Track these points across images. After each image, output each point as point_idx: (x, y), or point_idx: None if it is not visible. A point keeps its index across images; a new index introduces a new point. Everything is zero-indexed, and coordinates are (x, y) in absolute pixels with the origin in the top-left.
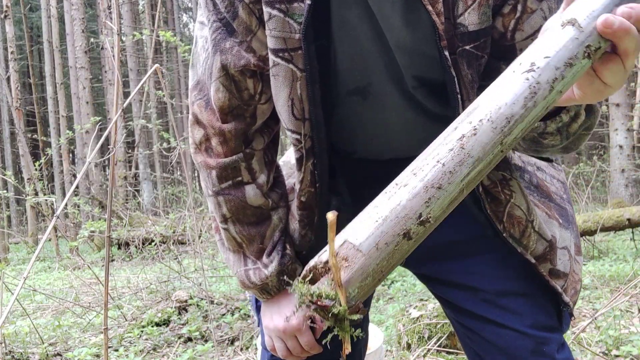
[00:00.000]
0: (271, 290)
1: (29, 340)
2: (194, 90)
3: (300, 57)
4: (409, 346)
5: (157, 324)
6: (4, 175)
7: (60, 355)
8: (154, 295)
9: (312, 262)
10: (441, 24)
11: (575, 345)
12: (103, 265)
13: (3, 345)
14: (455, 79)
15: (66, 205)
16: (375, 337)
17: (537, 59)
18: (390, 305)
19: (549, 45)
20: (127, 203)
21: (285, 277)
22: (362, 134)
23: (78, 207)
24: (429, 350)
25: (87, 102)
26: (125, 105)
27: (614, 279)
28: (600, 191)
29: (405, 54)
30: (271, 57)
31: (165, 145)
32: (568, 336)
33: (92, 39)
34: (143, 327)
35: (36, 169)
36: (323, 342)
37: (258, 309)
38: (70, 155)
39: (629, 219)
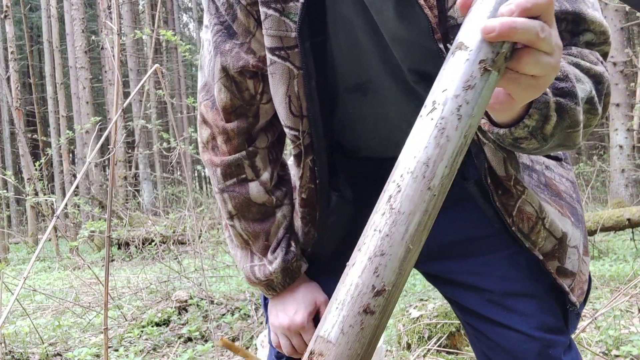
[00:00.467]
0: (276, 287)
1: (29, 340)
2: (201, 91)
3: (297, 55)
4: (409, 346)
5: (157, 324)
6: (4, 175)
7: (60, 355)
8: (154, 295)
9: None
10: (434, 17)
11: None
12: (103, 265)
13: (3, 345)
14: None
15: (66, 205)
16: None
17: (437, 96)
18: None
19: (445, 77)
20: (127, 203)
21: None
22: (363, 130)
23: (78, 207)
24: (429, 350)
25: (87, 102)
26: (125, 105)
27: (614, 279)
28: (600, 191)
29: (401, 47)
30: (268, 55)
31: (165, 145)
32: None
33: (92, 39)
34: (143, 327)
35: (36, 169)
36: None
37: (266, 307)
38: (70, 155)
39: (629, 219)
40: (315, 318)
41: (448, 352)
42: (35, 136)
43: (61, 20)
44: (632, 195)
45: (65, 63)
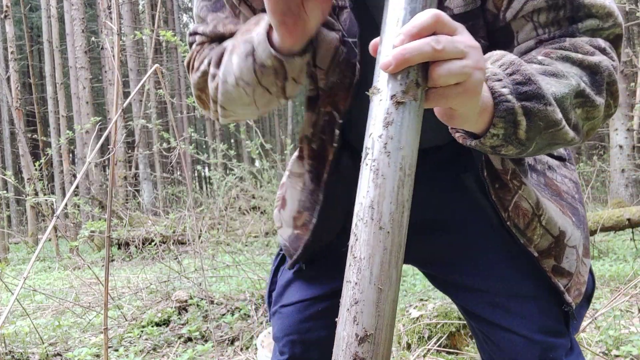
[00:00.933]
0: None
1: (29, 340)
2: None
3: None
4: (409, 346)
5: (157, 324)
6: (4, 175)
7: (60, 355)
8: (154, 295)
9: None
10: None
11: None
12: (103, 265)
13: (3, 345)
14: None
15: (66, 205)
16: None
17: (367, 141)
18: None
19: (370, 122)
20: (127, 203)
21: None
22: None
23: (78, 207)
24: (429, 350)
25: (87, 102)
26: (125, 105)
27: (614, 279)
28: (600, 191)
29: None
30: None
31: (165, 145)
32: None
33: (92, 39)
34: (143, 327)
35: (36, 169)
36: None
37: (270, 301)
38: (70, 155)
39: (629, 219)
40: None
41: (448, 352)
42: (35, 136)
43: (61, 20)
44: (632, 195)
45: (65, 63)
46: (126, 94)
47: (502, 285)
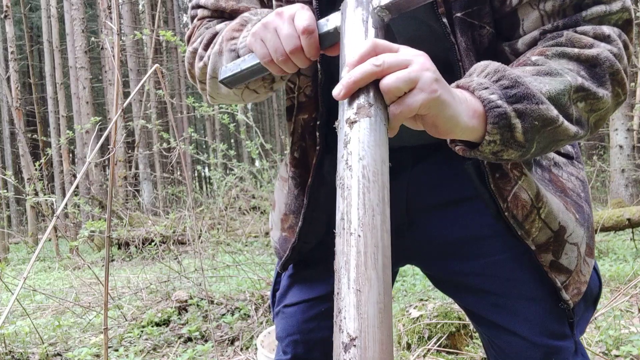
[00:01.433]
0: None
1: (29, 340)
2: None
3: (307, 5)
4: (409, 346)
5: (157, 324)
6: (4, 175)
7: (60, 355)
8: (154, 295)
9: None
10: None
11: None
12: (103, 265)
13: (3, 345)
14: (456, 47)
15: (66, 205)
16: None
17: (337, 167)
18: None
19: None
20: (127, 203)
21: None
22: None
23: (78, 207)
24: (429, 350)
25: (87, 102)
26: (125, 105)
27: (614, 279)
28: (600, 191)
29: (401, 20)
30: (275, 5)
31: (165, 145)
32: None
33: (92, 39)
34: (143, 327)
35: (36, 169)
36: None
37: (274, 299)
38: (70, 155)
39: (629, 219)
40: None
41: (448, 352)
42: (35, 136)
43: (61, 20)
44: (632, 195)
45: (65, 63)
46: (126, 94)
47: (507, 286)
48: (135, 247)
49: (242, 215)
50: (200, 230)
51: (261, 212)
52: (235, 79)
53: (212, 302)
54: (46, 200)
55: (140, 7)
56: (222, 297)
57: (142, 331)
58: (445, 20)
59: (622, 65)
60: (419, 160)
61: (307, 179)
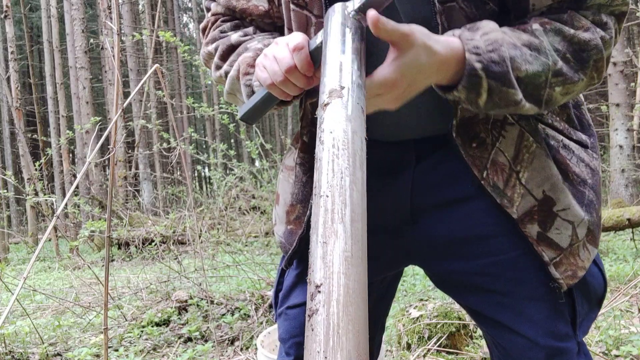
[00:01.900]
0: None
1: (29, 340)
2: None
3: (316, 3)
4: (409, 346)
5: (157, 324)
6: (4, 175)
7: (60, 355)
8: (154, 295)
9: None
10: None
11: None
12: (103, 265)
13: (3, 345)
14: (440, 27)
15: (66, 205)
16: None
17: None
18: None
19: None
20: (127, 203)
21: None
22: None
23: (78, 207)
24: (429, 350)
25: (87, 102)
26: (125, 105)
27: (614, 279)
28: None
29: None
30: (290, 5)
31: (165, 145)
32: None
33: (92, 39)
34: (143, 327)
35: (36, 169)
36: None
37: (276, 299)
38: (70, 155)
39: (629, 219)
40: None
41: (448, 352)
42: (35, 136)
43: (61, 20)
44: (632, 195)
45: (65, 63)
46: (126, 94)
47: (511, 286)
48: (135, 247)
49: (242, 215)
50: (200, 230)
51: (261, 212)
52: (252, 114)
53: (212, 302)
54: (46, 200)
55: (140, 7)
56: (222, 297)
57: (142, 331)
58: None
59: (606, 53)
60: (422, 158)
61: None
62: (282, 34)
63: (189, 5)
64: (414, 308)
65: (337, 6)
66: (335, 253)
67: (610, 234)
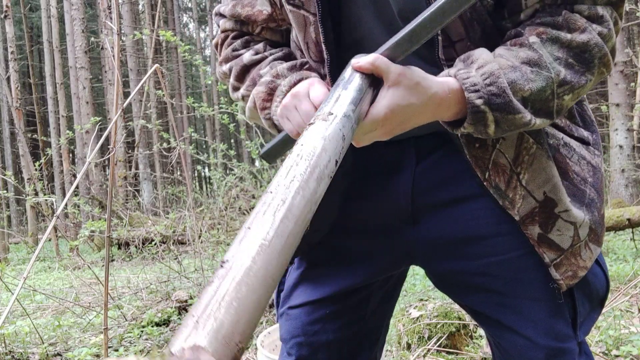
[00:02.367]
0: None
1: (29, 340)
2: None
3: (311, 2)
4: (409, 346)
5: (157, 324)
6: (4, 175)
7: (60, 355)
8: (154, 295)
9: None
10: None
11: None
12: (103, 265)
13: (3, 345)
14: None
15: (66, 205)
16: None
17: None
18: None
19: None
20: (127, 203)
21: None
22: None
23: (78, 207)
24: (429, 350)
25: (87, 102)
26: (125, 105)
27: (614, 279)
28: None
29: None
30: (286, 6)
31: (165, 145)
32: None
33: (92, 39)
34: (143, 327)
35: (36, 169)
36: None
37: (278, 298)
38: (70, 155)
39: (629, 219)
40: None
41: (448, 352)
42: (35, 136)
43: (61, 20)
44: (632, 195)
45: (65, 63)
46: (126, 94)
47: (512, 286)
48: (135, 247)
49: (242, 215)
50: (200, 230)
51: None
52: (273, 154)
53: None
54: (46, 200)
55: (140, 7)
56: None
57: (142, 331)
58: None
59: (609, 47)
60: (422, 158)
61: None
62: (288, 36)
63: (189, 5)
64: (414, 308)
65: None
66: (252, 238)
67: (610, 234)
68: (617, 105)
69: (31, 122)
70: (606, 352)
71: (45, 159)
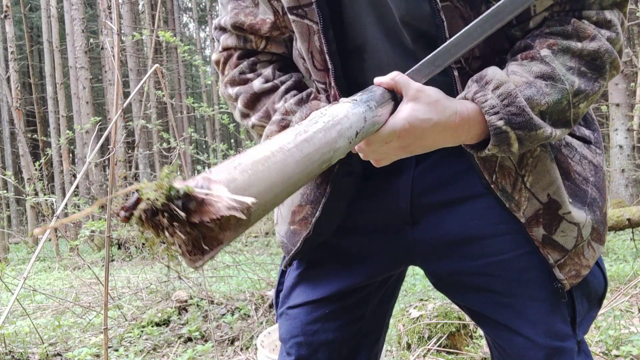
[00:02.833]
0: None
1: (29, 340)
2: (216, 28)
3: (314, 11)
4: (409, 346)
5: (157, 324)
6: (4, 175)
7: (60, 355)
8: (154, 295)
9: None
10: None
11: None
12: (103, 265)
13: (3, 345)
14: (445, 24)
15: (66, 205)
16: None
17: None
18: None
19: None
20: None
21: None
22: None
23: (78, 207)
24: (429, 350)
25: (87, 102)
26: (125, 105)
27: (614, 279)
28: None
29: None
30: (289, 16)
31: (165, 145)
32: None
33: (92, 39)
34: (143, 327)
35: (36, 169)
36: None
37: (277, 299)
38: (70, 155)
39: (629, 219)
40: None
41: (448, 352)
42: (35, 136)
43: (61, 20)
44: (632, 195)
45: (65, 63)
46: (126, 94)
47: (512, 286)
48: (135, 247)
49: None
50: None
51: None
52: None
53: (212, 302)
54: (46, 200)
55: (140, 7)
56: (222, 297)
57: (142, 331)
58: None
59: (617, 49)
60: (422, 158)
61: (333, 168)
62: (291, 45)
63: (189, 5)
64: (414, 308)
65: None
66: (273, 142)
67: (610, 234)
68: (617, 105)
69: (31, 122)
70: (606, 352)
71: (45, 159)
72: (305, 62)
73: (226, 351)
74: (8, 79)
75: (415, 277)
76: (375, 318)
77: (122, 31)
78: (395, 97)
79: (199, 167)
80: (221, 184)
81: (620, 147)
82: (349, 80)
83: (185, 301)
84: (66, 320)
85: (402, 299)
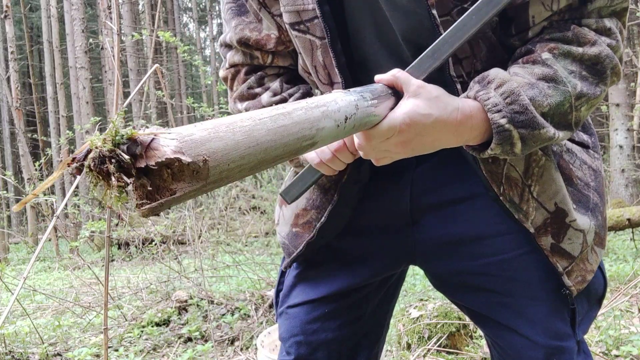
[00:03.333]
0: None
1: (29, 340)
2: (222, 44)
3: (316, 26)
4: (409, 346)
5: (157, 324)
6: (4, 175)
7: (60, 355)
8: (154, 295)
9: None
10: None
11: None
12: (103, 265)
13: (3, 345)
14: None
15: (66, 205)
16: None
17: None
18: None
19: None
20: (127, 203)
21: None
22: None
23: (78, 207)
24: (429, 350)
25: (87, 102)
26: (125, 105)
27: (614, 279)
28: None
29: (398, 14)
30: (290, 32)
31: None
32: None
33: (91, 39)
34: (143, 327)
35: (36, 169)
36: None
37: (277, 298)
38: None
39: (629, 219)
40: None
41: (448, 352)
42: (35, 136)
43: (61, 20)
44: (632, 195)
45: (65, 63)
46: (126, 94)
47: (512, 286)
48: (135, 247)
49: (242, 215)
50: (200, 230)
51: (261, 212)
52: (295, 193)
53: (212, 302)
54: (46, 200)
55: (140, 7)
56: (222, 297)
57: (142, 331)
58: (434, 11)
59: (618, 56)
60: (422, 159)
61: (342, 176)
62: (297, 55)
63: (189, 5)
64: (414, 308)
65: None
66: (247, 114)
67: (610, 234)
68: (617, 105)
69: (31, 122)
70: (606, 352)
71: (45, 159)
72: (311, 75)
73: (226, 351)
74: (8, 79)
75: (415, 277)
76: (375, 318)
77: (122, 31)
78: (396, 93)
79: None
80: (173, 133)
81: (620, 147)
82: None
83: (185, 301)
84: (66, 320)
85: (402, 299)
